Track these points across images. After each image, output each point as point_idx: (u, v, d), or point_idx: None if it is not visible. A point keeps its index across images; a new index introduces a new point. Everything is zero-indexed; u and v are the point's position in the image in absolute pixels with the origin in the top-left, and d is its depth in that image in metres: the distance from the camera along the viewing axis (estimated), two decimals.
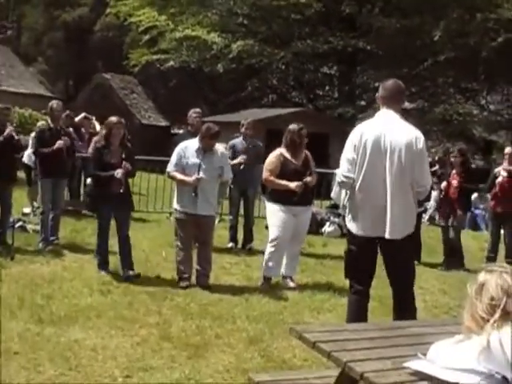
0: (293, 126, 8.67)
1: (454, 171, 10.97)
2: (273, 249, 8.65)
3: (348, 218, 5.87)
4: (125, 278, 8.40)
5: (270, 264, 8.70)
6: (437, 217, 12.86)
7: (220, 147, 8.85)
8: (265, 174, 8.78)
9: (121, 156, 8.57)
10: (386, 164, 5.57)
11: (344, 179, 5.75)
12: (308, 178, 8.54)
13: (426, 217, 15.88)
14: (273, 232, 8.69)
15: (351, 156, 5.69)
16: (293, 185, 8.41)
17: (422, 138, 5.66)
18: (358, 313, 5.81)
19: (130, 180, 9.06)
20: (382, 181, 5.59)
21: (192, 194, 8.24)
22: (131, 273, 8.45)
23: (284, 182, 8.50)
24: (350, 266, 5.97)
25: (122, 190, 8.45)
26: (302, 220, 8.74)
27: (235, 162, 10.67)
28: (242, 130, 11.52)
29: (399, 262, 5.81)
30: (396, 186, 5.57)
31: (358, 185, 5.68)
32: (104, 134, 8.80)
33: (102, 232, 8.71)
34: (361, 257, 5.84)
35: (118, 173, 8.37)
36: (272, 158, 8.77)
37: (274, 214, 8.65)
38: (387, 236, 5.62)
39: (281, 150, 8.73)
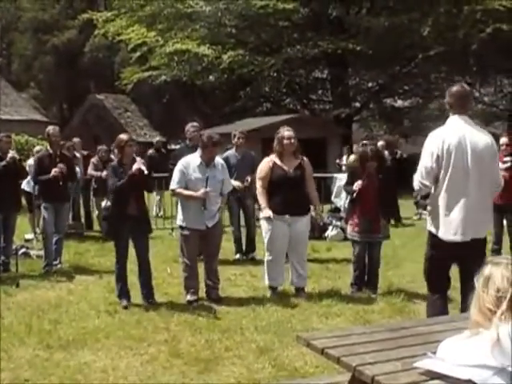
0: (281, 132, 8.55)
1: None
2: (270, 258, 8.60)
3: (433, 223, 5.93)
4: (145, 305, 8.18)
5: (272, 275, 8.66)
6: None
7: (219, 160, 8.74)
8: (257, 183, 8.72)
9: None
10: (469, 167, 5.70)
11: (421, 186, 5.89)
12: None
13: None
14: (267, 242, 8.62)
15: (429, 165, 5.78)
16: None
17: (493, 140, 5.90)
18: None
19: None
20: (466, 184, 5.70)
21: (201, 208, 8.14)
22: (150, 301, 8.21)
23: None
24: (433, 271, 6.05)
25: (146, 172, 7.99)
26: (297, 228, 8.50)
27: (234, 183, 10.43)
28: (234, 140, 11.33)
29: (478, 260, 5.81)
30: (477, 188, 5.70)
31: (443, 189, 5.76)
32: (116, 153, 8.58)
33: (120, 259, 8.26)
34: (445, 261, 5.94)
35: (138, 162, 8.02)
36: (262, 165, 8.70)
37: (267, 224, 8.54)
38: (473, 236, 5.73)
39: (272, 157, 8.65)
